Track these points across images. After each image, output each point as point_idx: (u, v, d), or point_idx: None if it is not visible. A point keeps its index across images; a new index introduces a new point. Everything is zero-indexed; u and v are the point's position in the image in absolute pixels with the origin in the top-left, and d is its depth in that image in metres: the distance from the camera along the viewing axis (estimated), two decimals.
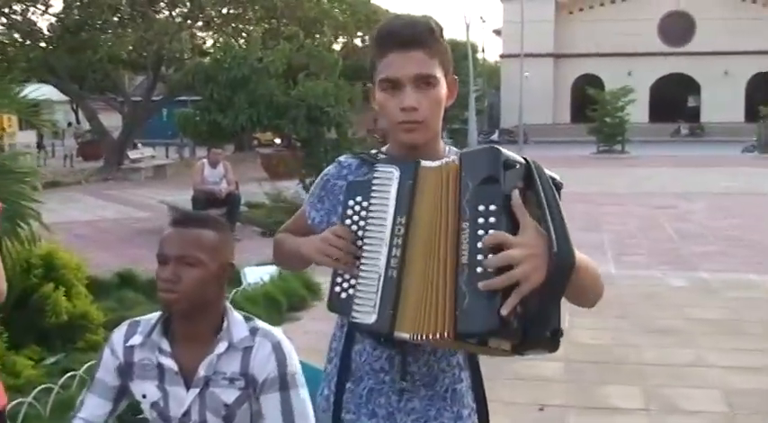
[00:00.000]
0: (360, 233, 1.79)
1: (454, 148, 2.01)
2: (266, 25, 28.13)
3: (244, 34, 25.90)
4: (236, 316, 2.25)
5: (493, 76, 58.30)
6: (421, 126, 1.87)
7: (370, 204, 1.77)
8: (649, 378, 5.49)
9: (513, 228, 1.58)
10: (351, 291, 1.79)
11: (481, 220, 1.58)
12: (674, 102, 54.95)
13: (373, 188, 1.77)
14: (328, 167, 2.10)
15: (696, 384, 5.38)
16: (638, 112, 41.67)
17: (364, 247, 1.76)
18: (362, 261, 1.75)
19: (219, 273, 2.18)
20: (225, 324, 2.21)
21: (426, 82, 1.85)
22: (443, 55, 1.90)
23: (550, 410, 4.97)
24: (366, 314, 1.71)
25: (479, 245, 1.57)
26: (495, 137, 46.21)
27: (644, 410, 4.97)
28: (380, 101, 1.90)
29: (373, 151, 2.05)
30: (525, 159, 1.66)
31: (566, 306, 1.66)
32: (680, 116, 54.17)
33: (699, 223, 13.47)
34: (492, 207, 1.58)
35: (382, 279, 1.71)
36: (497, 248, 1.55)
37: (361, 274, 1.75)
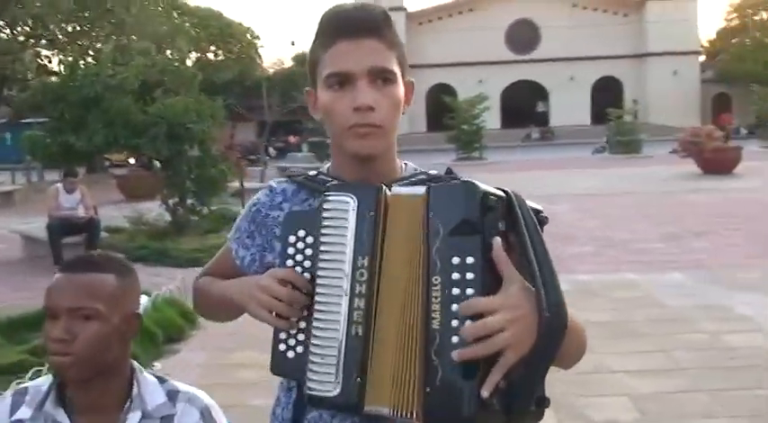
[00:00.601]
0: (305, 275, 1.44)
1: (411, 164, 1.69)
2: (116, 41, 27.10)
3: (91, 52, 24.86)
4: (147, 378, 1.85)
5: None
6: (378, 131, 1.52)
7: (319, 242, 1.41)
8: (555, 387, 5.30)
9: (495, 282, 1.29)
10: (300, 348, 1.44)
11: (456, 276, 1.28)
12: (524, 108, 56.77)
13: (324, 223, 1.40)
14: (257, 195, 1.73)
15: (603, 392, 5.24)
16: (490, 118, 42.60)
17: (317, 298, 1.39)
18: (316, 316, 1.38)
19: (123, 327, 1.78)
20: (135, 389, 1.81)
21: (384, 78, 1.52)
22: (400, 49, 1.58)
23: None
24: (326, 384, 1.35)
25: (454, 307, 1.27)
26: None
27: None
28: (326, 102, 1.54)
29: (312, 172, 1.69)
30: (505, 192, 1.35)
31: None
32: (530, 121, 56.00)
33: (567, 225, 13.63)
34: (469, 260, 1.28)
35: (344, 338, 1.35)
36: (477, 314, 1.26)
37: (315, 332, 1.38)
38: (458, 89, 50.52)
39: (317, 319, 1.37)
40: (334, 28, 1.53)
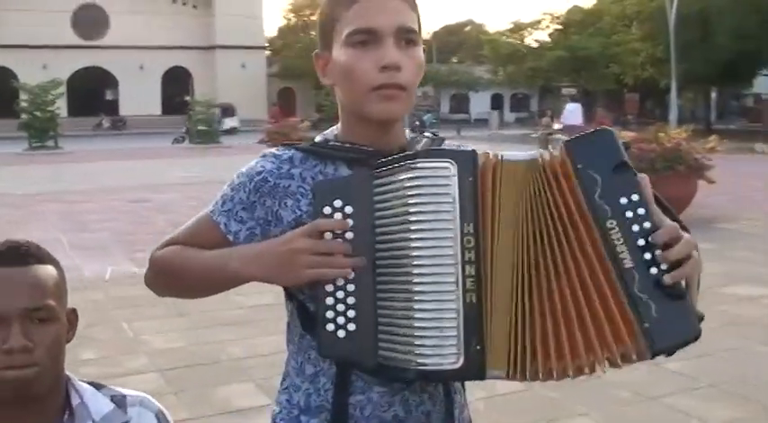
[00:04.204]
0: (348, 246, 1.40)
1: (412, 133, 1.66)
2: None
3: None
4: (82, 385, 1.62)
5: None
6: (402, 94, 1.50)
7: (406, 211, 1.37)
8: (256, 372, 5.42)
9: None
10: (352, 326, 1.39)
11: (630, 214, 1.37)
12: (93, 95, 54.88)
13: (417, 191, 1.36)
14: (254, 163, 1.57)
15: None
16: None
17: (416, 270, 1.35)
18: (418, 288, 1.35)
19: (67, 326, 1.57)
20: (75, 399, 1.57)
21: (408, 38, 1.50)
22: (419, 11, 1.57)
23: None
24: (448, 357, 1.34)
25: (640, 242, 1.35)
26: None
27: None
28: (346, 61, 1.50)
29: (318, 138, 1.62)
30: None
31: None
32: (100, 109, 54.30)
33: (185, 214, 13.47)
34: (634, 197, 1.38)
35: (461, 307, 1.34)
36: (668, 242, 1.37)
37: (418, 305, 1.35)
38: (20, 73, 47.02)
39: (420, 291, 1.34)
40: None
